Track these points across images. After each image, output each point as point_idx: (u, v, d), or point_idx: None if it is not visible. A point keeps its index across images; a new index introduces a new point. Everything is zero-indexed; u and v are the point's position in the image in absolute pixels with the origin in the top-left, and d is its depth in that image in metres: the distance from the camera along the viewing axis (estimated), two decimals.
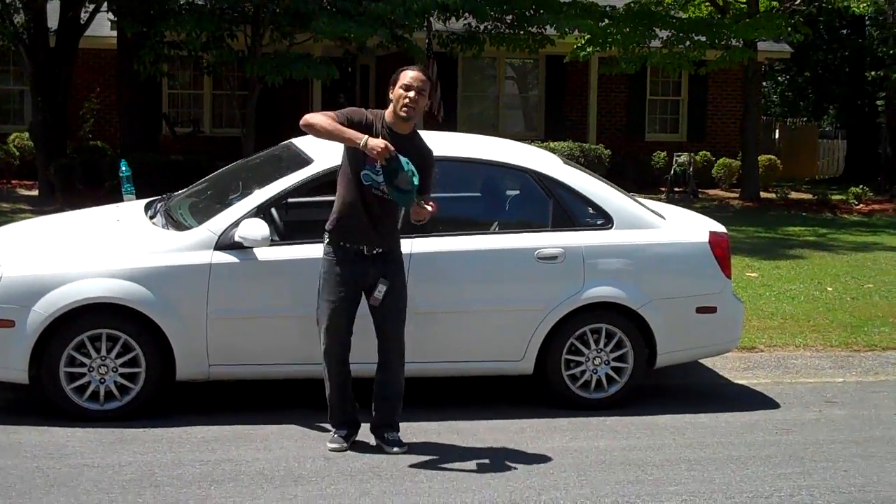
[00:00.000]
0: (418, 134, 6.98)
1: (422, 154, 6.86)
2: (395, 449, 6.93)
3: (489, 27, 21.90)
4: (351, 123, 6.71)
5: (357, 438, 7.06)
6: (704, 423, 7.88)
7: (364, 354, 7.04)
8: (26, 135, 22.04)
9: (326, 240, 6.88)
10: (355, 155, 6.72)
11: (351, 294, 6.81)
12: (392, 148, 6.54)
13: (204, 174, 9.44)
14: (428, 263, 7.67)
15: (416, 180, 6.57)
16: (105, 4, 20.53)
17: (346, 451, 6.90)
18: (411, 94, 6.72)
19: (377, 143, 6.53)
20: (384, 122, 6.81)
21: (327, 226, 6.88)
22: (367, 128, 6.71)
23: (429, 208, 6.70)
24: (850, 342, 10.44)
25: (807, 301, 12.36)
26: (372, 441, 7.02)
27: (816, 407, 8.44)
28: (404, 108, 6.73)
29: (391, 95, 6.81)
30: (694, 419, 7.93)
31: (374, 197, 6.75)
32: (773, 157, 27.32)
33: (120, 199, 10.93)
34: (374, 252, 6.81)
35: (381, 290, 6.77)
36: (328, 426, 7.08)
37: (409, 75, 6.78)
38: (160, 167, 19.35)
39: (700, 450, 7.27)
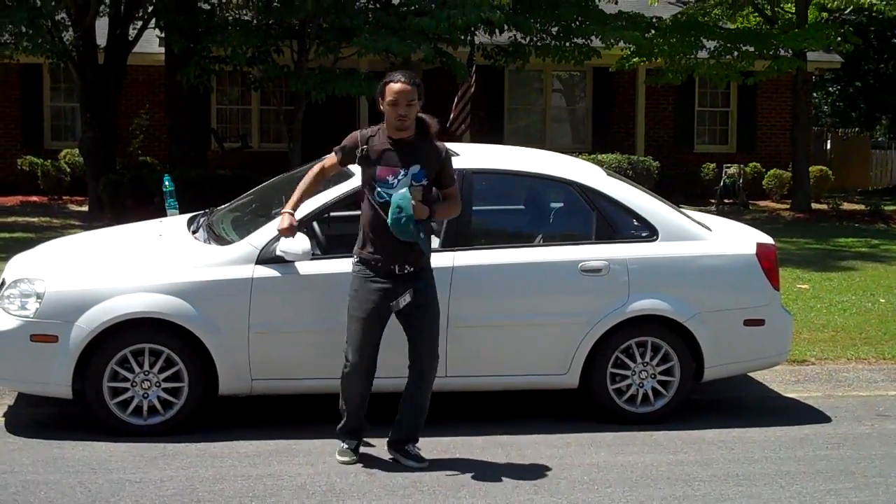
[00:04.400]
0: (428, 132, 6.87)
1: (433, 152, 6.85)
2: (414, 464, 6.88)
3: (535, 39, 21.84)
4: (345, 153, 6.87)
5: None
6: (753, 437, 7.75)
7: (386, 370, 7.02)
8: (77, 151, 22.24)
9: (356, 258, 6.85)
10: (366, 173, 6.77)
11: (381, 311, 6.77)
12: (288, 226, 6.90)
13: (251, 189, 9.44)
14: (471, 277, 7.61)
15: (403, 204, 6.56)
16: (153, 21, 20.69)
17: (356, 463, 6.87)
18: (399, 110, 6.68)
19: (280, 223, 6.96)
20: (384, 133, 6.81)
21: (357, 244, 6.88)
22: (361, 148, 6.77)
23: (425, 209, 6.69)
24: None
25: (859, 313, 12.17)
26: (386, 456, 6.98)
27: (868, 421, 8.27)
28: (398, 122, 6.71)
29: (381, 108, 6.78)
30: (742, 434, 7.81)
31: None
32: (824, 167, 27.02)
33: (166, 215, 10.98)
34: (406, 271, 6.76)
35: (405, 297, 6.73)
36: (339, 441, 7.02)
37: (393, 90, 6.69)
38: (207, 182, 19.45)
39: (748, 465, 7.14)
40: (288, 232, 6.92)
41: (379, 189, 6.70)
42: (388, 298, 6.74)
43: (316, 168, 7.05)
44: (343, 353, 6.89)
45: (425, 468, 6.83)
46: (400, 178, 6.70)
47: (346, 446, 6.96)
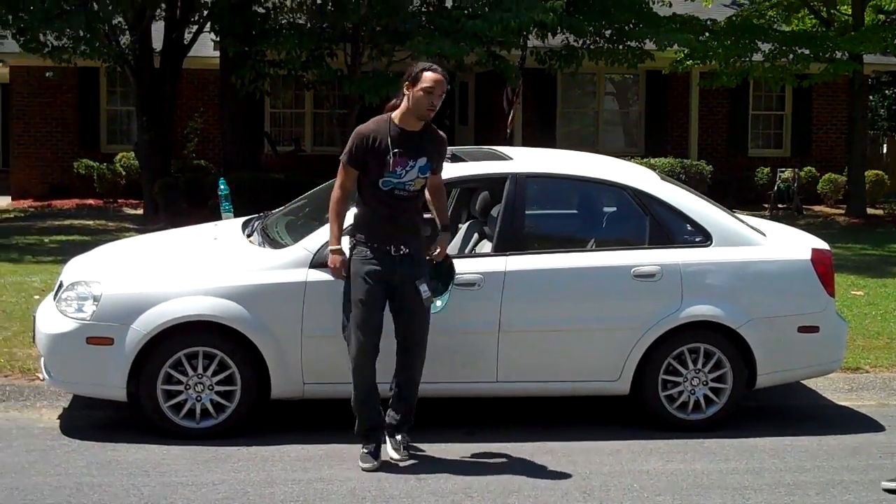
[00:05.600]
0: (429, 125, 6.96)
1: (437, 142, 6.98)
2: (396, 455, 6.97)
3: (588, 42, 21.78)
4: (357, 158, 6.82)
5: (448, 458, 7.02)
6: (805, 446, 7.68)
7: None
8: (132, 154, 22.46)
9: (353, 242, 6.89)
10: (374, 164, 6.78)
11: (381, 292, 6.84)
12: (340, 265, 6.88)
13: (304, 192, 9.49)
14: (523, 281, 7.61)
15: (439, 297, 7.10)
16: (208, 25, 20.86)
17: (378, 470, 6.83)
18: (433, 98, 6.77)
19: (331, 263, 6.90)
20: (393, 124, 6.85)
21: (351, 229, 6.93)
22: (370, 146, 6.78)
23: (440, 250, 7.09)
24: None
25: None
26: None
27: None
28: (428, 110, 6.80)
29: (407, 92, 6.80)
30: (794, 442, 7.74)
31: (394, 198, 6.82)
32: (880, 172, 26.69)
33: (220, 218, 11.07)
34: (401, 252, 6.85)
35: (424, 289, 6.85)
36: (361, 447, 7.01)
37: (430, 77, 6.76)
38: (261, 186, 19.58)
39: (800, 474, 7.08)
40: (340, 273, 6.88)
41: (387, 178, 6.79)
42: (387, 279, 6.81)
43: (338, 193, 6.87)
44: (346, 341, 6.93)
45: (405, 460, 6.92)
46: (408, 168, 6.81)
47: (365, 451, 6.94)
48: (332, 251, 6.87)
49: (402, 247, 6.87)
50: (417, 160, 6.85)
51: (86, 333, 7.29)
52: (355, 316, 6.83)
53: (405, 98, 6.84)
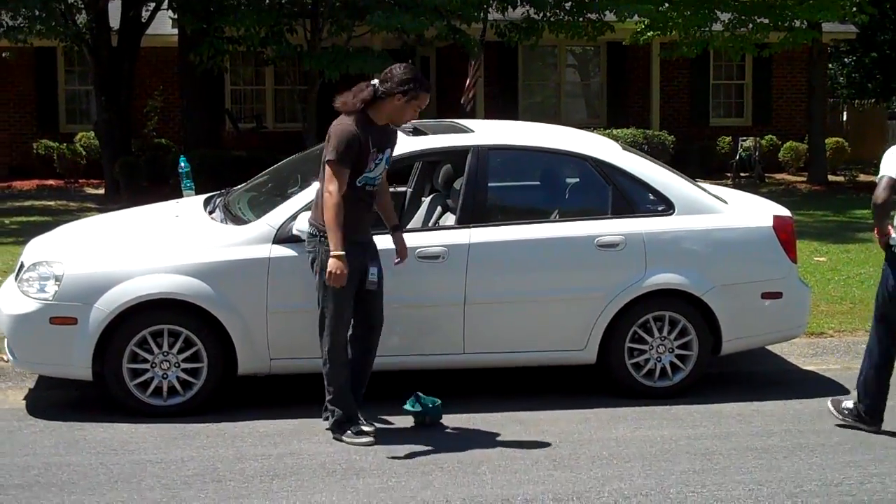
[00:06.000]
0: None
1: (394, 133, 7.16)
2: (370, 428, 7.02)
3: (548, 15, 21.75)
4: (350, 157, 6.73)
5: (419, 430, 7.04)
6: (772, 410, 7.75)
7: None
8: (92, 134, 22.28)
9: (321, 235, 6.82)
10: (361, 164, 6.79)
11: (355, 284, 6.85)
12: (342, 273, 6.65)
13: (266, 169, 9.45)
14: (487, 253, 7.62)
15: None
16: (165, 2, 20.69)
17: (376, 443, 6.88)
18: (416, 114, 7.04)
19: (334, 264, 6.65)
20: (371, 123, 6.87)
21: (320, 223, 6.85)
22: (359, 147, 6.76)
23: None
24: None
25: (876, 285, 12.05)
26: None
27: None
28: (404, 122, 7.18)
29: (397, 102, 6.83)
30: (761, 407, 7.81)
31: (366, 193, 6.92)
32: (840, 139, 26.90)
33: (182, 196, 11.01)
34: (366, 240, 6.97)
35: (373, 272, 6.90)
36: (342, 428, 6.97)
37: (425, 98, 6.93)
38: (223, 163, 19.50)
39: (767, 438, 7.14)
40: (341, 280, 6.68)
41: (364, 175, 6.84)
42: (358, 268, 6.81)
43: (336, 198, 6.62)
44: (322, 333, 6.90)
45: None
46: (377, 162, 6.89)
47: (355, 431, 6.92)
48: (336, 257, 6.62)
49: (369, 238, 6.97)
50: (384, 153, 6.95)
51: (49, 314, 7.24)
52: (333, 309, 6.82)
53: (387, 102, 6.83)
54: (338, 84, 20.16)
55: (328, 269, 6.64)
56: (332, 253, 6.63)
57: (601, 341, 7.81)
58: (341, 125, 6.82)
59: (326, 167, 6.75)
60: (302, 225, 7.23)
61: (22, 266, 7.71)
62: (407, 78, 6.84)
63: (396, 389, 7.54)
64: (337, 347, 6.90)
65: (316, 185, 7.07)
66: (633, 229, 7.83)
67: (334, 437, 6.94)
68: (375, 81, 6.92)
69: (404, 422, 7.24)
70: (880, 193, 6.88)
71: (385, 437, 6.96)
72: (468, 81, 21.42)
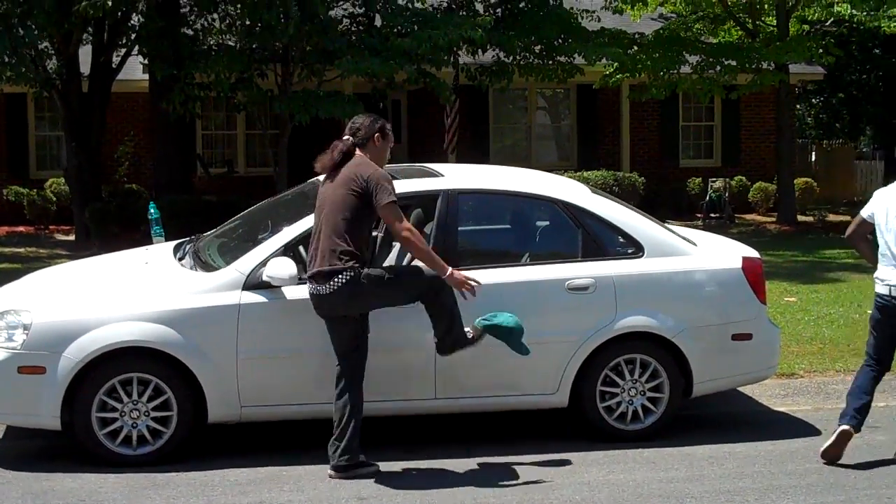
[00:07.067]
0: None
1: None
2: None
3: (518, 58, 21.88)
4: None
5: (389, 475, 7.02)
6: (743, 452, 7.75)
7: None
8: (63, 180, 22.19)
9: (350, 274, 6.92)
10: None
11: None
12: (465, 279, 7.07)
13: (237, 214, 9.44)
14: (459, 296, 7.59)
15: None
16: (136, 48, 20.69)
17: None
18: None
19: (459, 279, 7.05)
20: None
21: (352, 263, 6.93)
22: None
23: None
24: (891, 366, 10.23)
25: (846, 325, 12.19)
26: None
27: (858, 433, 8.25)
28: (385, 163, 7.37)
29: (378, 144, 7.23)
30: (732, 449, 7.81)
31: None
32: (809, 179, 27.08)
33: (152, 242, 10.97)
34: None
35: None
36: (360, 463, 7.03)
37: (390, 132, 7.36)
38: (194, 208, 19.45)
39: (739, 480, 7.14)
40: (469, 284, 7.09)
41: None
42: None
43: (413, 231, 7.01)
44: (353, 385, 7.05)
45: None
46: None
47: (366, 470, 7.07)
48: (451, 276, 7.02)
49: None
50: None
51: (17, 363, 7.18)
52: (360, 358, 7.07)
53: (374, 147, 7.19)
54: (309, 128, 20.29)
55: (465, 288, 7.07)
56: (447, 275, 6.96)
57: (573, 385, 7.80)
58: (372, 166, 7.05)
59: (389, 209, 6.93)
60: (273, 271, 7.22)
61: None
62: (373, 119, 7.26)
63: (367, 437, 7.49)
64: (361, 394, 7.07)
65: (296, 229, 7.32)
66: (603, 272, 7.85)
67: (342, 476, 6.99)
68: (346, 137, 7.08)
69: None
70: (849, 228, 7.70)
71: (356, 483, 6.91)
72: (448, 124, 21.54)
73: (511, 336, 7.22)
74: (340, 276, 6.89)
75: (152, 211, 10.74)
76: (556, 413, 8.06)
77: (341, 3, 20.70)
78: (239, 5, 19.28)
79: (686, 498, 6.78)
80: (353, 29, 20.12)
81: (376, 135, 7.18)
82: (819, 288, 14.97)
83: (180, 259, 8.09)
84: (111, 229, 19.87)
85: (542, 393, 7.82)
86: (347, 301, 6.95)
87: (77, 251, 18.37)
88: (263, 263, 7.35)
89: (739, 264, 8.21)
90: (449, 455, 7.47)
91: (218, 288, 7.39)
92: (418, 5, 20.16)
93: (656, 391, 7.92)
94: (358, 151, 7.14)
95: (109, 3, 17.62)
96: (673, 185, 25.69)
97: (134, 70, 22.16)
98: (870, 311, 7.67)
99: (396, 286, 7.09)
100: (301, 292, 7.33)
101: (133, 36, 20.50)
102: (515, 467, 7.32)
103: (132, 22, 20.53)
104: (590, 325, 7.76)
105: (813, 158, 32.36)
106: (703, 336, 7.95)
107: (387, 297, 7.12)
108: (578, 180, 9.03)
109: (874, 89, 34.37)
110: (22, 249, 19.92)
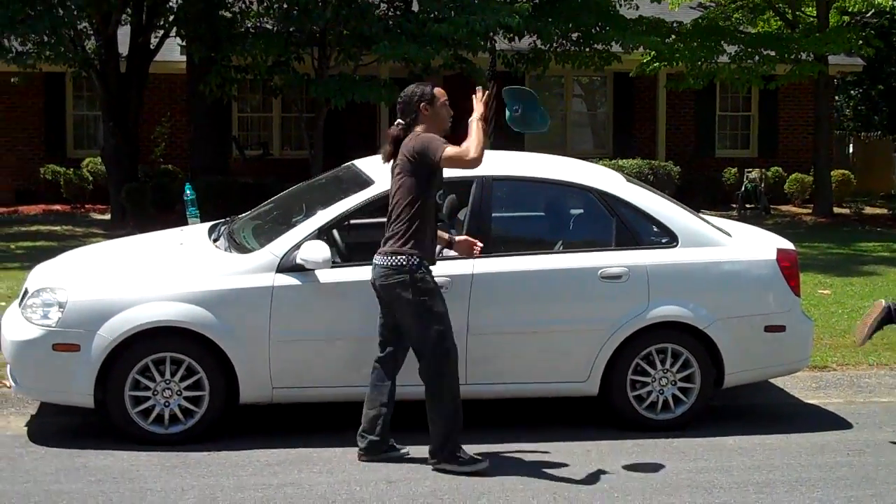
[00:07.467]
0: None
1: None
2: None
3: (554, 45, 21.82)
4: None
5: (418, 461, 7.03)
6: (774, 444, 7.73)
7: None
8: (99, 160, 22.33)
9: (415, 262, 6.83)
10: (435, 176, 6.93)
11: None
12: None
13: (272, 197, 9.47)
14: (491, 284, 7.61)
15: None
16: (174, 30, 20.78)
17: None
18: (448, 109, 7.28)
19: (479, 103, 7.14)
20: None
21: (413, 249, 6.83)
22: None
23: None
24: None
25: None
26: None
27: (890, 427, 8.23)
28: (449, 122, 7.27)
29: (427, 112, 7.05)
30: (763, 440, 7.78)
31: (436, 208, 7.23)
32: (846, 171, 26.89)
33: (187, 223, 11.02)
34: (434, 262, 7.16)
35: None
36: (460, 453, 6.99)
37: (441, 92, 7.23)
38: (229, 190, 19.53)
39: (769, 472, 7.12)
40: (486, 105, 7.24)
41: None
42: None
43: (479, 141, 6.89)
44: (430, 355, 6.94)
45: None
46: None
47: (465, 457, 6.96)
48: (478, 119, 6.97)
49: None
50: None
51: (52, 340, 7.25)
52: (440, 329, 6.87)
53: (425, 116, 7.00)
54: (344, 112, 20.32)
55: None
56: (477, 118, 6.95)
57: (603, 373, 7.80)
58: (414, 137, 6.92)
59: (449, 158, 6.78)
60: (306, 254, 7.25)
61: (26, 292, 7.73)
62: (410, 93, 7.09)
63: (398, 421, 7.51)
64: (451, 366, 6.91)
65: (319, 215, 7.13)
66: (636, 261, 7.84)
67: (371, 459, 6.98)
68: (397, 122, 7.04)
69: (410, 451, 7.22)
70: None
71: (386, 467, 6.94)
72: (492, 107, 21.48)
73: (533, 100, 7.27)
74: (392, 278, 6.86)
75: (188, 192, 10.76)
76: (588, 401, 8.06)
77: None
78: None
79: (715, 489, 6.77)
80: (390, 13, 20.10)
81: (421, 105, 6.99)
82: (854, 281, 14.87)
83: (215, 240, 8.13)
84: (147, 209, 19.98)
85: (573, 381, 7.82)
86: (388, 307, 7.00)
87: (112, 230, 18.51)
88: (297, 246, 7.38)
89: (774, 256, 8.17)
90: (477, 440, 7.47)
91: (252, 270, 7.42)
92: None
93: (687, 381, 7.90)
94: (416, 129, 7.00)
95: None
96: (708, 175, 25.59)
97: (172, 51, 22.26)
98: None
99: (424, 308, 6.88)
100: (335, 276, 7.37)
101: (171, 17, 20.60)
102: (544, 454, 7.33)
103: (171, 3, 20.63)
104: (622, 313, 7.76)
105: (850, 150, 32.15)
106: (735, 327, 7.93)
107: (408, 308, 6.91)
108: (613, 168, 9.02)
109: None
110: (58, 228, 20.08)
